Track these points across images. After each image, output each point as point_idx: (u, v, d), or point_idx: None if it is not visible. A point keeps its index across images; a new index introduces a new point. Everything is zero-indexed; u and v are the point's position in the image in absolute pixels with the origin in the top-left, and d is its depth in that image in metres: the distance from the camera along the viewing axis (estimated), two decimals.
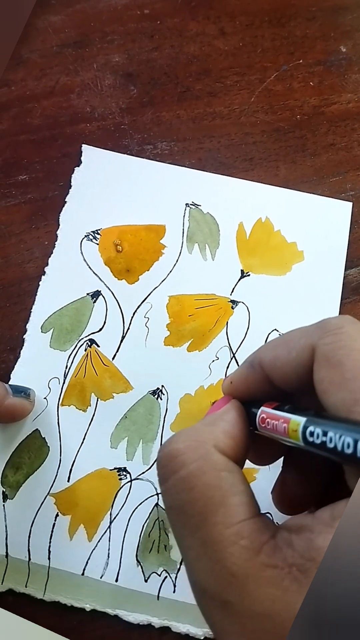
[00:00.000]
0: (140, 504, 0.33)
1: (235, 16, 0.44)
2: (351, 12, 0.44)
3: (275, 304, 0.37)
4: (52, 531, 0.33)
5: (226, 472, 0.20)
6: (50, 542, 0.33)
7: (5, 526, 0.33)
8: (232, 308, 0.37)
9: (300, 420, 0.20)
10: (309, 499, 0.24)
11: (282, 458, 0.26)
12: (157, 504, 0.33)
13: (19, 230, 0.39)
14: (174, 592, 0.32)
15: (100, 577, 0.32)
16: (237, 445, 0.21)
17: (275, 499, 0.25)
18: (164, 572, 0.32)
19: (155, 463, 0.21)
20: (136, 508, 0.33)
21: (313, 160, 0.40)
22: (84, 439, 0.34)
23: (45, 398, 0.35)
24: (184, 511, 0.19)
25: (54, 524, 0.33)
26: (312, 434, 0.19)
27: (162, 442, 0.34)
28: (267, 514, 0.29)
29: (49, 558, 0.32)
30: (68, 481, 0.34)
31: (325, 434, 0.18)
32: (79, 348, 0.36)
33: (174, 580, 0.32)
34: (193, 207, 0.39)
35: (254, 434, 0.23)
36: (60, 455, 0.34)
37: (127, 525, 0.33)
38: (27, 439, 0.34)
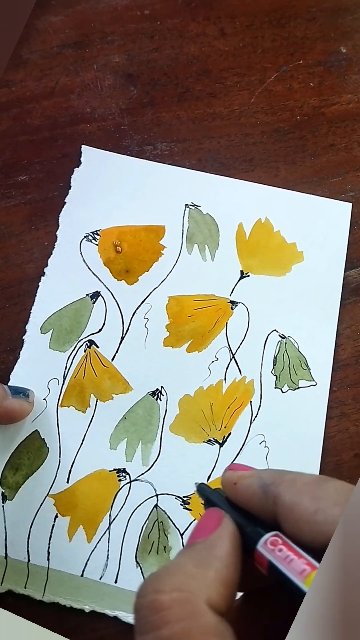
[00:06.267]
0: (140, 505, 0.33)
1: (236, 17, 0.44)
2: (351, 12, 0.44)
3: (274, 305, 0.37)
4: (51, 532, 0.33)
5: (215, 638, 0.16)
6: (49, 543, 0.33)
7: (5, 527, 0.33)
8: (232, 309, 0.37)
9: None
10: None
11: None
12: (156, 505, 0.33)
13: (19, 230, 0.39)
14: None
15: (100, 578, 0.32)
16: (230, 591, 0.18)
17: None
18: None
19: (134, 606, 0.18)
20: (135, 509, 0.33)
21: (313, 161, 0.40)
22: (83, 440, 0.34)
23: (44, 399, 0.35)
24: None
25: (54, 525, 0.33)
26: None
27: (162, 444, 0.34)
28: None
29: (48, 559, 0.32)
30: (67, 482, 0.34)
31: None
32: (79, 349, 0.36)
33: None
34: (193, 207, 0.39)
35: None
36: (60, 457, 0.34)
37: (127, 526, 0.33)
38: (27, 440, 0.34)
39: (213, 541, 0.19)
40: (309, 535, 0.18)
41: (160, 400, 0.35)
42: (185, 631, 0.16)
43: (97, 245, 0.38)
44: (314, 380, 0.35)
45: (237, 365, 0.36)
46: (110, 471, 0.34)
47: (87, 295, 0.37)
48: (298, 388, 0.35)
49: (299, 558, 0.18)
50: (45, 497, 0.33)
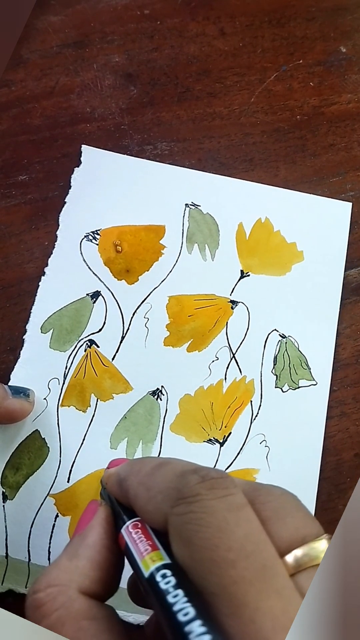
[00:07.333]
0: None
1: (235, 16, 0.44)
2: (351, 12, 0.44)
3: (275, 304, 0.37)
4: (52, 532, 0.33)
5: (87, 620, 0.19)
6: (50, 543, 0.33)
7: (5, 527, 0.33)
8: (232, 308, 0.37)
9: (165, 558, 0.18)
10: None
11: None
12: None
13: (19, 230, 0.39)
14: None
15: None
16: (105, 574, 0.20)
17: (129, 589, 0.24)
18: None
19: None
20: None
21: (313, 160, 0.40)
22: (83, 439, 0.34)
23: (45, 399, 0.35)
24: None
25: (54, 524, 0.33)
26: (164, 576, 0.17)
27: (162, 444, 0.34)
28: None
29: (49, 559, 0.32)
30: (68, 482, 0.34)
31: (177, 586, 0.17)
32: (79, 348, 0.36)
33: None
34: (193, 207, 0.39)
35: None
36: (60, 456, 0.34)
37: None
38: (27, 439, 0.34)
39: (85, 532, 0.21)
40: (150, 523, 0.20)
41: (161, 399, 0.35)
42: (60, 620, 0.18)
43: (97, 245, 0.38)
44: (314, 379, 0.35)
45: (238, 365, 0.36)
46: None
47: (87, 294, 0.37)
48: (298, 387, 0.35)
49: (147, 540, 0.19)
50: (46, 496, 0.33)
